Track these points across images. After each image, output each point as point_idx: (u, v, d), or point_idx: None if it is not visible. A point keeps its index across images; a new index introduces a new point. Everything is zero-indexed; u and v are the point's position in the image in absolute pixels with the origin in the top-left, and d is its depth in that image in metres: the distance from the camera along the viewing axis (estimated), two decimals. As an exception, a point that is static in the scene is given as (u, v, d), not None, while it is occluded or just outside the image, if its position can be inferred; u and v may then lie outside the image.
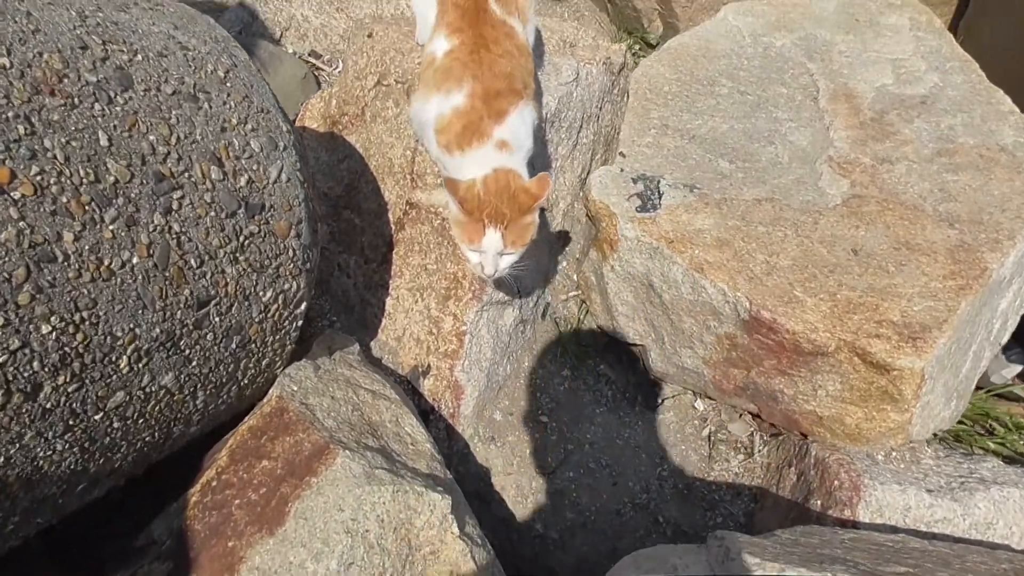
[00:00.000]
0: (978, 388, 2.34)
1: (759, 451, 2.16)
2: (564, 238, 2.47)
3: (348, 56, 2.71)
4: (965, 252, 2.02)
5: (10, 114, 1.13)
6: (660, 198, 2.15)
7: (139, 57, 1.39)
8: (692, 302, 2.03)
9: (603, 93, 2.53)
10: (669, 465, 2.20)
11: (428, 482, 1.66)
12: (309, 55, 3.45)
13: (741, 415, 2.26)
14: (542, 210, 2.33)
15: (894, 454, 1.98)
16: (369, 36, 2.60)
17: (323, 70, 3.40)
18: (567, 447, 2.20)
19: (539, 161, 2.28)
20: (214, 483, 1.59)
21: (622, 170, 2.25)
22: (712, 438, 2.23)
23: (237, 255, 1.49)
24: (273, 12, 3.48)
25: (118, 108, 1.30)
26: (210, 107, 1.48)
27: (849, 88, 2.54)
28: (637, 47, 3.79)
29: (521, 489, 2.15)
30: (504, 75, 1.76)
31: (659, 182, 2.19)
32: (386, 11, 3.37)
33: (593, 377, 2.35)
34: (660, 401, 2.32)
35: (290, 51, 3.43)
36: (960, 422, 2.23)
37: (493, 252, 1.66)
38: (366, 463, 1.59)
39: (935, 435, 2.10)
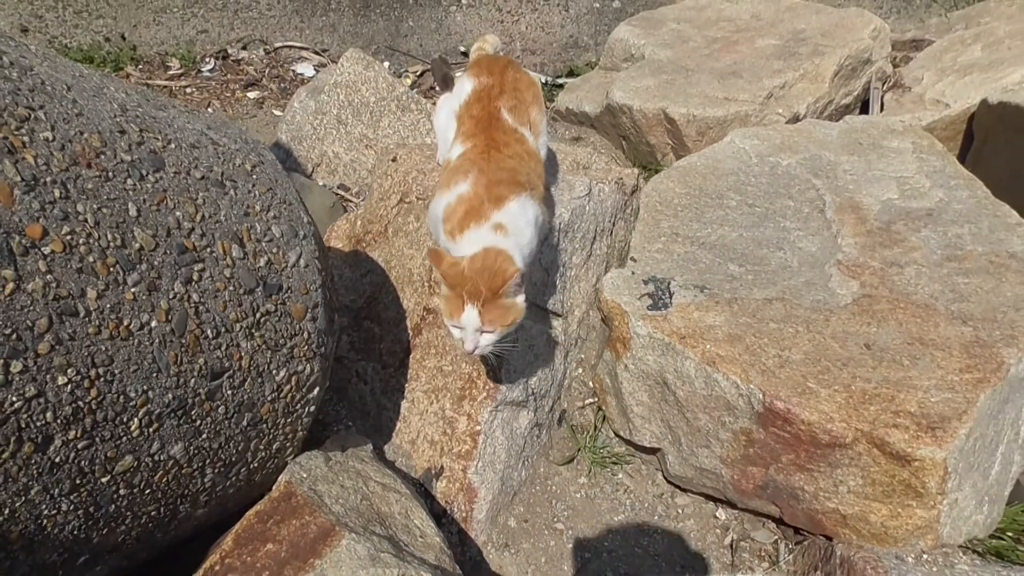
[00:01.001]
0: (1016, 503, 2.25)
1: (784, 559, 2.08)
2: (580, 345, 2.51)
3: (374, 181, 2.90)
4: (980, 347, 2.02)
5: (48, 179, 1.25)
6: (671, 297, 2.21)
7: (172, 145, 1.52)
8: (706, 397, 2.04)
9: (616, 210, 2.65)
10: (691, 574, 2.11)
11: (436, 572, 1.63)
12: (338, 187, 3.67)
13: (764, 523, 2.19)
14: (555, 315, 2.40)
15: (925, 556, 1.90)
16: (393, 160, 2.79)
17: (351, 201, 3.61)
18: (584, 555, 2.14)
19: (551, 268, 2.37)
20: (217, 567, 1.57)
21: (633, 273, 2.33)
22: (735, 546, 2.15)
23: (253, 331, 1.56)
24: (307, 150, 3.74)
25: (149, 185, 1.42)
26: (235, 193, 1.60)
27: (855, 201, 2.64)
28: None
29: (536, 599, 2.07)
30: (508, 169, 1.88)
31: (669, 283, 2.26)
32: (410, 141, 3.61)
33: (611, 485, 2.31)
34: (680, 509, 2.26)
35: (320, 184, 3.66)
36: (999, 537, 2.14)
37: (472, 329, 1.70)
38: (371, 546, 1.57)
39: (971, 547, 2.01)
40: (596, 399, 2.46)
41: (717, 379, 2.01)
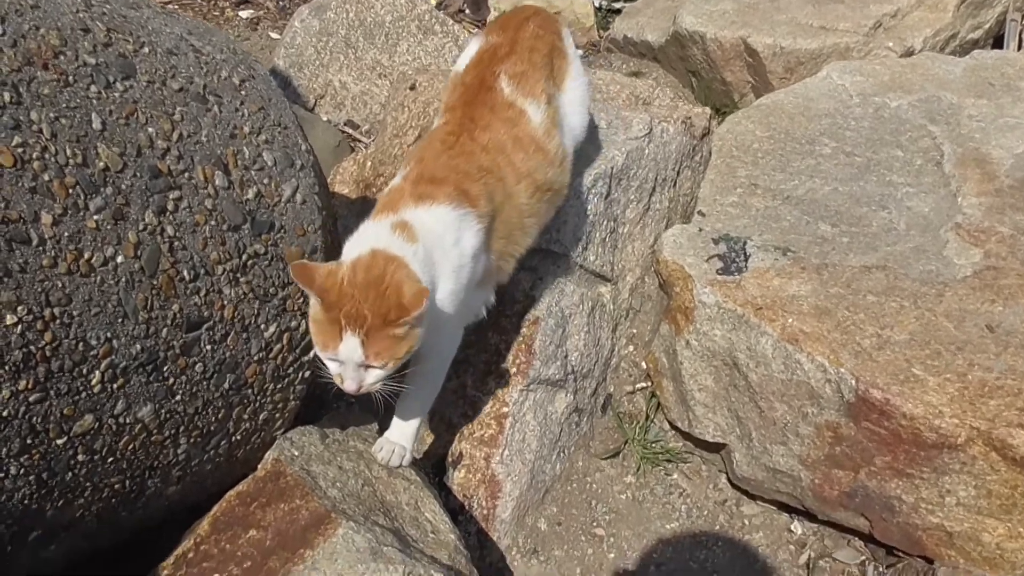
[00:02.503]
0: None
1: (874, 583, 2.07)
2: (632, 318, 2.50)
3: (387, 114, 2.89)
4: None
5: (-3, 80, 1.26)
6: (746, 260, 2.18)
7: (145, 49, 1.53)
8: (785, 382, 2.01)
9: (681, 156, 2.62)
10: (758, 598, 2.11)
11: (450, 574, 1.63)
12: (345, 124, 3.67)
13: (849, 540, 2.17)
14: (602, 279, 2.38)
15: (1051, 588, 1.87)
16: (412, 88, 2.78)
17: (360, 140, 3.61)
18: (627, 568, 2.14)
19: (598, 222, 2.34)
20: (191, 554, 1.59)
21: (700, 229, 2.30)
22: (812, 566, 2.13)
23: (238, 275, 1.57)
24: (308, 78, 3.74)
25: (116, 94, 1.42)
26: (220, 111, 1.60)
27: (982, 153, 2.58)
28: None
29: (568, 617, 2.08)
30: (463, 172, 1.71)
31: (745, 243, 2.23)
32: (433, 67, 3.60)
33: (663, 487, 2.30)
34: (746, 519, 2.25)
35: (324, 119, 3.66)
36: None
37: (353, 363, 1.52)
38: (373, 538, 1.57)
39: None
40: (649, 383, 2.45)
41: (800, 360, 1.98)
